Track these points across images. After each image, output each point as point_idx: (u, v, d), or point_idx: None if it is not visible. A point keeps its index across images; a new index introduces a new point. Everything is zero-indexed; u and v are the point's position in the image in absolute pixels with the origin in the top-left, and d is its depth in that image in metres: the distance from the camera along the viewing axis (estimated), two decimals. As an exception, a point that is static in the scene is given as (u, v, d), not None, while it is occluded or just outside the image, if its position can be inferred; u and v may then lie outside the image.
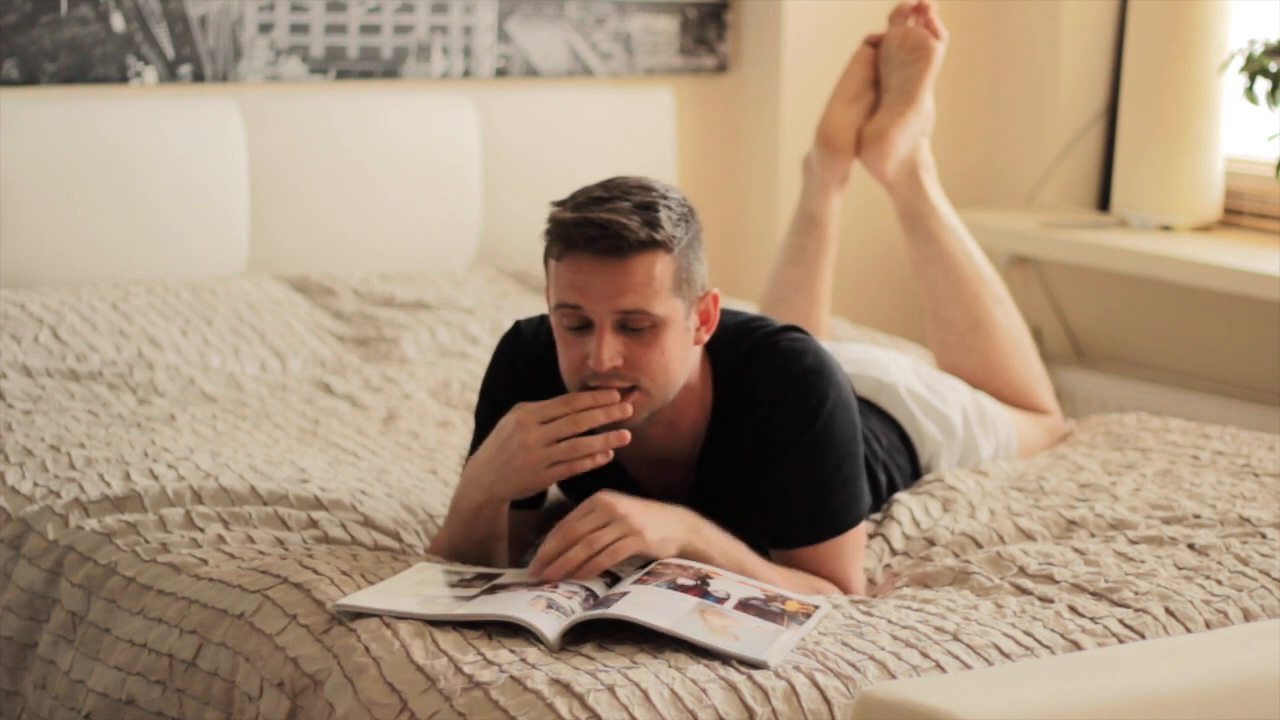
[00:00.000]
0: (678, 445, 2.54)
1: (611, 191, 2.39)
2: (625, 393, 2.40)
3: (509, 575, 2.37)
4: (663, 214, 2.36)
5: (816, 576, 2.51)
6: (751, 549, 2.47)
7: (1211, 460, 3.04)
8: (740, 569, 2.42)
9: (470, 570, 2.40)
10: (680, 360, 2.43)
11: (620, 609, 2.22)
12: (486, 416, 2.59)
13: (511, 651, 2.17)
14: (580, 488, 2.62)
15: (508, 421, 2.43)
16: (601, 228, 2.34)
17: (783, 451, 2.49)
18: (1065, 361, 4.35)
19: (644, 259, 2.35)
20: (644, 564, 2.38)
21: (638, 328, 2.38)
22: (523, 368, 2.57)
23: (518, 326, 2.62)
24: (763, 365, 2.51)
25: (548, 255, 2.41)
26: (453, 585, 2.34)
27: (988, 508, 2.82)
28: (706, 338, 2.49)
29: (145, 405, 3.24)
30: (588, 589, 2.31)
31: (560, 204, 2.41)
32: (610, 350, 2.37)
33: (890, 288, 4.39)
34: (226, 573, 2.44)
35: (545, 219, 2.41)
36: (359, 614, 2.27)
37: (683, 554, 2.39)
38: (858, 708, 1.98)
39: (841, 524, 2.53)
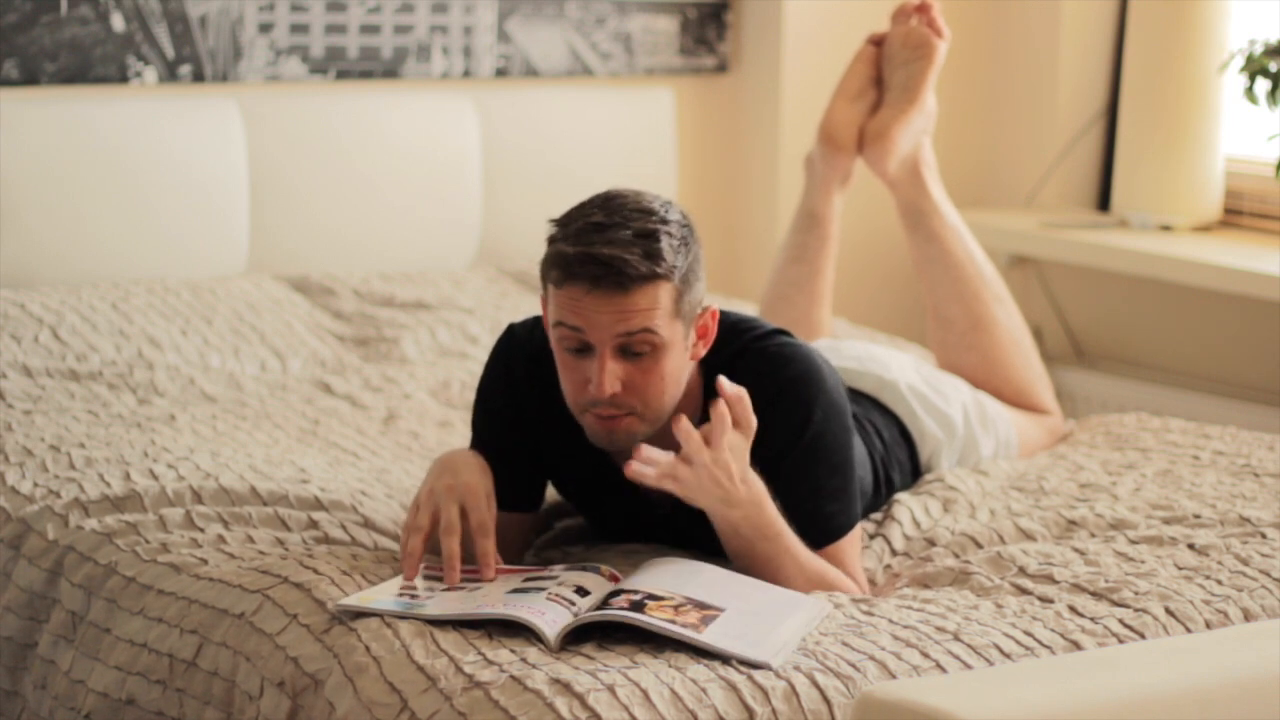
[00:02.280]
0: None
1: (611, 216, 2.36)
2: (622, 417, 2.40)
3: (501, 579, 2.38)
4: (664, 242, 2.35)
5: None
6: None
7: (1211, 460, 3.04)
8: (788, 542, 2.44)
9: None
10: (676, 382, 2.43)
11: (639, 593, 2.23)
12: (482, 422, 2.58)
13: (511, 651, 2.17)
14: (578, 488, 2.62)
15: (440, 485, 2.42)
16: (603, 265, 2.33)
17: (774, 462, 2.47)
18: (1065, 361, 4.34)
19: (646, 290, 2.35)
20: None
21: (639, 351, 2.38)
22: (519, 371, 2.56)
23: (511, 329, 2.61)
24: (749, 370, 2.49)
25: (545, 277, 2.41)
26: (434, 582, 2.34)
27: (988, 508, 2.82)
28: (704, 352, 2.49)
29: (145, 405, 3.24)
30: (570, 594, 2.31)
31: (559, 226, 2.39)
32: (611, 377, 2.37)
33: (890, 287, 4.39)
34: (226, 573, 2.44)
35: (546, 237, 2.40)
36: (359, 614, 2.27)
37: (756, 515, 2.41)
38: (858, 708, 1.98)
39: (837, 530, 2.52)
